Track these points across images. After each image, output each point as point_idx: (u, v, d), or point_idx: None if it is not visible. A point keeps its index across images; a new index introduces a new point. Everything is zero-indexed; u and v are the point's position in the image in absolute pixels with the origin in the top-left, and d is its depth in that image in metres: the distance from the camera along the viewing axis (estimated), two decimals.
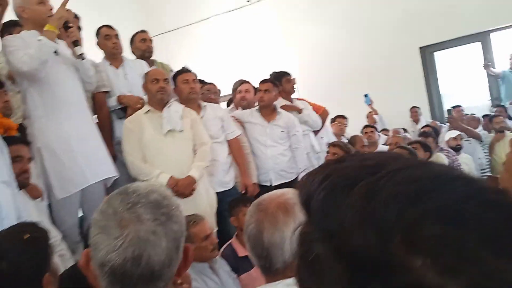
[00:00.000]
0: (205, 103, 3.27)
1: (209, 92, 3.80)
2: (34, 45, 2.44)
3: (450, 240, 0.29)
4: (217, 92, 3.95)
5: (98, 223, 0.82)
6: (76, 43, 2.67)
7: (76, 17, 3.13)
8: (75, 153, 2.63)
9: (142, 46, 3.61)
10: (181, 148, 2.85)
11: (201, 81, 3.81)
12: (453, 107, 5.78)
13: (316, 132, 4.25)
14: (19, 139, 2.37)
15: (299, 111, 3.97)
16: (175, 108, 2.88)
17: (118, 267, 0.77)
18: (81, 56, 2.69)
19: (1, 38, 2.75)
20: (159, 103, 2.85)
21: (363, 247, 0.31)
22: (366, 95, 5.93)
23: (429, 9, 6.02)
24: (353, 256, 0.32)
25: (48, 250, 1.38)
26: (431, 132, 4.64)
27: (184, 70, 3.22)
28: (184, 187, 2.76)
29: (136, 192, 0.84)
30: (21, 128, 2.66)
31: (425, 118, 6.28)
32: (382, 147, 4.80)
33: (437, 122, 5.99)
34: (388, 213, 0.31)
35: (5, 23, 2.83)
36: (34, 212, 2.31)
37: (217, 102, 3.90)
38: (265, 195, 1.16)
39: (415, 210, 0.30)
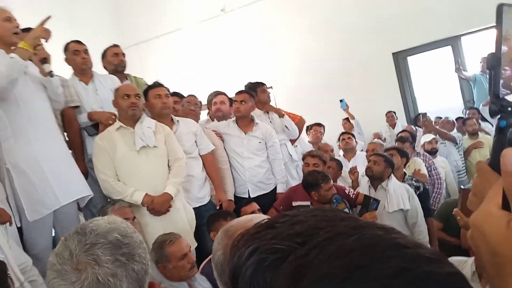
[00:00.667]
0: (178, 118, 3.22)
1: (189, 104, 3.75)
2: (4, 63, 2.36)
3: None
4: (198, 103, 3.91)
5: (54, 267, 0.77)
6: (44, 60, 2.59)
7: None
8: (45, 173, 2.56)
9: (115, 60, 3.53)
10: (156, 165, 2.79)
11: (176, 94, 3.76)
12: (418, 115, 5.90)
13: (292, 141, 4.25)
14: None
15: (281, 115, 4.00)
16: (147, 123, 2.82)
17: None
18: (50, 74, 2.61)
19: None
20: (131, 119, 2.79)
21: None
22: (341, 100, 5.98)
23: (401, 15, 6.14)
24: None
25: (5, 280, 1.32)
26: (408, 138, 4.69)
27: (156, 85, 3.16)
28: (160, 205, 2.71)
29: (94, 231, 0.80)
30: None
31: (401, 122, 6.37)
32: (359, 154, 4.82)
33: (412, 126, 6.08)
34: None
35: None
36: (2, 237, 2.23)
37: (198, 114, 3.86)
38: (234, 221, 1.13)
39: None
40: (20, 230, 2.57)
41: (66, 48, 3.24)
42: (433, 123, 5.35)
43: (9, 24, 2.55)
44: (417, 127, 5.95)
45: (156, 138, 2.81)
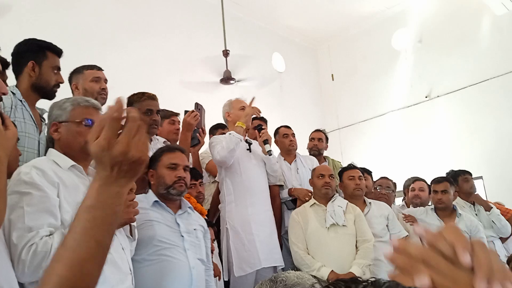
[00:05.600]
0: (370, 200, 3.28)
1: (381, 188, 3.77)
2: (224, 139, 2.98)
3: None
4: (390, 186, 3.86)
5: None
6: (266, 141, 3.12)
7: (264, 120, 3.65)
8: (253, 236, 2.93)
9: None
10: (343, 243, 2.89)
11: (366, 171, 3.78)
12: None
13: (503, 240, 3.74)
14: (209, 223, 2.75)
15: (488, 208, 3.70)
16: (339, 202, 3.00)
17: None
18: (269, 153, 3.11)
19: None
20: (324, 197, 3.02)
21: None
22: None
23: None
24: None
25: None
26: None
27: (350, 167, 3.35)
28: None
29: (283, 281, 0.98)
30: (209, 213, 3.13)
31: None
32: None
33: None
34: None
35: (212, 126, 3.66)
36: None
37: (390, 197, 3.82)
38: None
39: None
40: (227, 284, 2.93)
41: (277, 132, 3.77)
42: None
43: (242, 112, 3.15)
44: None
45: (346, 217, 2.94)
